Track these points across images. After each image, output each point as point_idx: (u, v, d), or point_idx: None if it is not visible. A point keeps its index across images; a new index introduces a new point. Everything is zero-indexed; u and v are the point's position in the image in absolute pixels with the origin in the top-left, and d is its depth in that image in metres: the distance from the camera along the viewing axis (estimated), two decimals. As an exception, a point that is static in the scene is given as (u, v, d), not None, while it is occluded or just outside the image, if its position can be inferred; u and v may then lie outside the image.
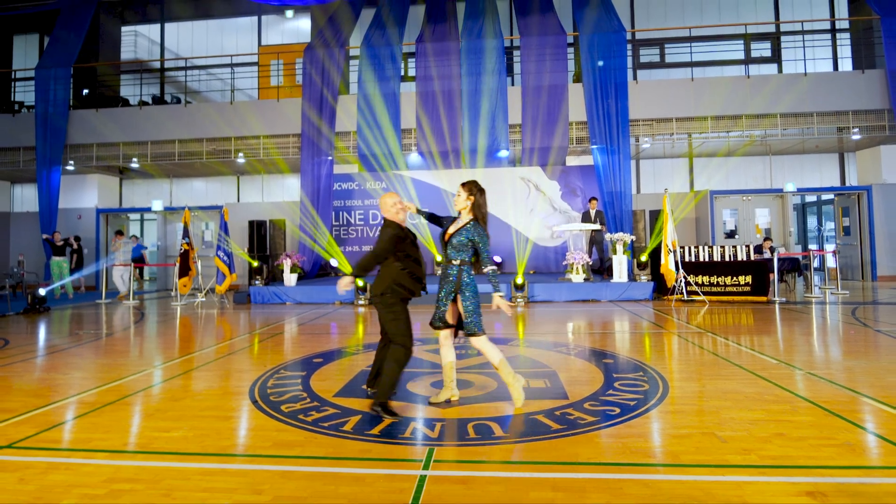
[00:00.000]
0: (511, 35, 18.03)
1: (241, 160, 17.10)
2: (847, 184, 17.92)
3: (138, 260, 17.34)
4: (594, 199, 14.91)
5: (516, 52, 17.37)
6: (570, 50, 16.60)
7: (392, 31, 16.41)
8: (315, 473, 3.50)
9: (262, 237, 17.68)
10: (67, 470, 3.60)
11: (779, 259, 12.68)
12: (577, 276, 13.43)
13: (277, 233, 18.14)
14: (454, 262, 4.71)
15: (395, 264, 4.76)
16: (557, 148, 15.60)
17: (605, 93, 15.35)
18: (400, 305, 4.79)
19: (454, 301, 4.75)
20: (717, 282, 12.53)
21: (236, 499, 3.16)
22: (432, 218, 5.12)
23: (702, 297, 12.34)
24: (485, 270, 4.68)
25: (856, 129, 15.27)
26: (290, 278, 14.24)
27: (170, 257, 18.62)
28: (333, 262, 16.46)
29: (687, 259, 12.84)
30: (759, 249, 13.18)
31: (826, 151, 17.90)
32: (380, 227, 4.92)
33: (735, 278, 12.42)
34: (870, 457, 3.60)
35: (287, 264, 14.21)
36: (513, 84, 17.15)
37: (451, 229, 4.77)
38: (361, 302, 12.99)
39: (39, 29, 20.72)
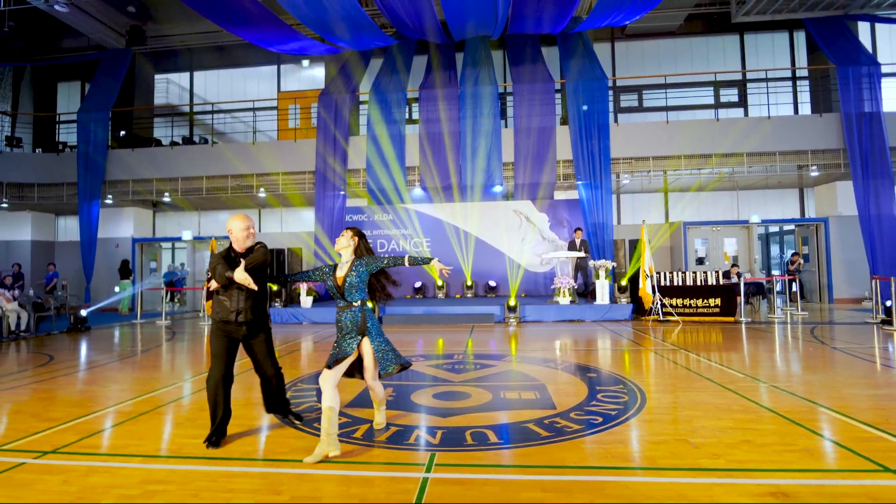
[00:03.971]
0: (505, 82, 18.21)
1: (262, 195, 17.18)
2: (806, 216, 18.00)
3: (171, 283, 17.40)
4: (579, 229, 14.98)
5: (509, 98, 17.53)
6: (558, 95, 16.77)
7: (398, 78, 16.59)
8: (328, 476, 3.53)
9: (282, 264, 17.71)
10: (106, 473, 3.63)
11: (745, 283, 12.72)
12: (564, 299, 13.45)
13: (295, 260, 18.18)
14: (355, 303, 4.24)
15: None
16: (546, 183, 15.69)
17: (588, 134, 15.48)
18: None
19: (360, 344, 4.23)
20: (690, 304, 12.56)
21: (257, 499, 3.19)
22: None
23: (676, 318, 12.37)
24: (408, 264, 4.40)
25: (814, 167, 15.37)
26: (306, 301, 14.25)
27: (198, 282, 18.64)
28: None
29: (662, 283, 12.87)
30: (727, 275, 13.21)
31: (787, 187, 18.00)
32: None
33: (706, 301, 12.46)
34: (827, 461, 3.64)
35: (303, 288, 14.22)
36: (506, 126, 17.31)
37: (341, 273, 4.31)
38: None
39: (81, 77, 20.94)
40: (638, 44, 19.03)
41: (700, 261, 17.59)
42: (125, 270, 17.88)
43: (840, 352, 7.91)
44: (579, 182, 15.46)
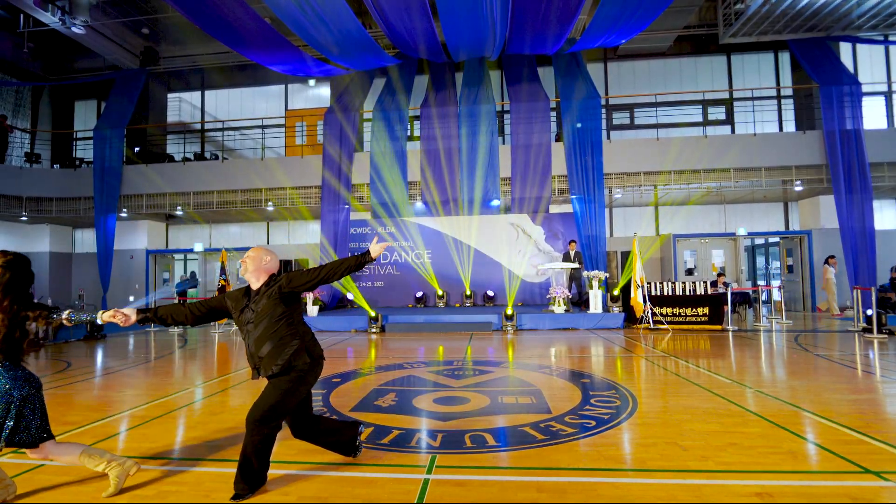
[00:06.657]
0: (502, 101, 18.29)
1: (270, 208, 17.23)
2: (790, 228, 18.03)
3: (183, 294, 17.43)
4: (573, 241, 15.02)
5: (507, 116, 17.60)
6: (553, 113, 16.86)
7: (400, 97, 16.68)
8: (334, 477, 3.55)
9: (288, 274, 17.69)
10: (122, 474, 3.64)
11: (732, 293, 12.73)
12: (559, 308, 13.45)
13: (301, 270, 18.16)
14: None
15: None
16: (542, 198, 15.74)
17: (582, 150, 15.54)
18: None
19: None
20: (679, 312, 12.56)
21: (266, 499, 3.21)
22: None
23: (666, 326, 12.37)
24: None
25: (798, 182, 15.42)
26: (312, 310, 14.25)
27: (209, 292, 18.66)
28: (350, 296, 16.48)
29: (653, 293, 12.88)
30: (714, 285, 13.23)
31: (772, 201, 18.04)
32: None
33: (694, 309, 12.46)
34: (810, 463, 3.65)
35: (310, 297, 14.24)
36: (504, 143, 17.36)
37: None
38: (374, 330, 12.99)
39: (97, 96, 21.04)
40: (629, 64, 19.14)
41: (689, 271, 17.62)
42: (194, 280, 18.57)
43: (823, 358, 7.92)
44: (573, 196, 15.51)
